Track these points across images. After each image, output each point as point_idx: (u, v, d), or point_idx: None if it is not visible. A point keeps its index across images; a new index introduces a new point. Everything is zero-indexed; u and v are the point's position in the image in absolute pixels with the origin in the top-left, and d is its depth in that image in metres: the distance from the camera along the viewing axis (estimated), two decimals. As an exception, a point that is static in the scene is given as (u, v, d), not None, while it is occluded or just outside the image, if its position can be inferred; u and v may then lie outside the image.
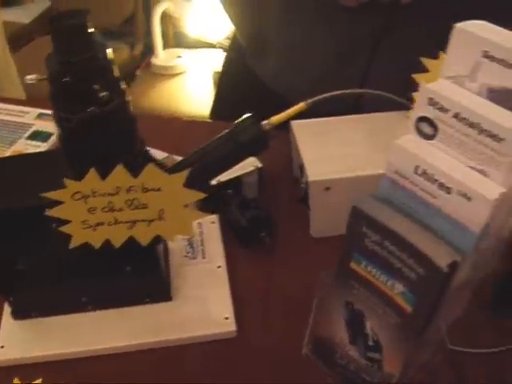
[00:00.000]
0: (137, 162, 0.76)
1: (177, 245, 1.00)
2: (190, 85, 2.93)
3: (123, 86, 0.74)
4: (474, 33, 0.63)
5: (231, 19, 1.31)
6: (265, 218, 1.01)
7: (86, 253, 0.81)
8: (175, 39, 3.24)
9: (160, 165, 0.81)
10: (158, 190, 0.75)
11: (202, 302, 0.93)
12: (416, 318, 0.67)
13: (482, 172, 0.62)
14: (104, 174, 0.74)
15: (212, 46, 2.95)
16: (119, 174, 0.73)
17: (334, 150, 1.00)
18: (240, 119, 0.81)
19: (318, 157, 0.99)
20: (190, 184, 0.76)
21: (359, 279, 0.71)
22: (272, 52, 1.24)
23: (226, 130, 0.82)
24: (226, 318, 0.90)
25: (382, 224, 0.64)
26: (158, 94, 2.89)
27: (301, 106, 0.80)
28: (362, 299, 0.71)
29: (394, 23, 1.07)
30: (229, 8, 1.30)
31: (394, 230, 0.63)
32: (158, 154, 1.17)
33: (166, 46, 3.17)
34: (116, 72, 0.72)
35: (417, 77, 0.89)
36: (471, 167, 0.62)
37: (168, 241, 0.94)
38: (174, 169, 0.79)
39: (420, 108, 0.64)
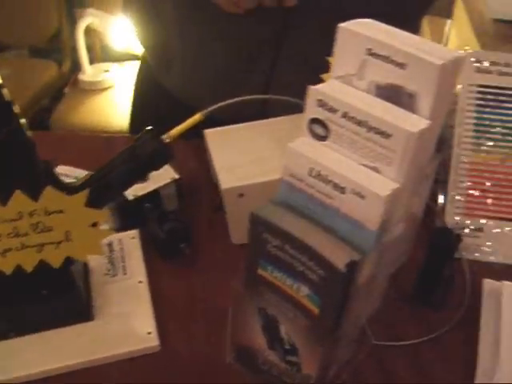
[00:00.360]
0: (40, 185, 0.75)
1: (97, 263, 0.99)
2: (119, 98, 2.91)
3: (16, 109, 0.72)
4: (358, 31, 0.63)
5: (137, 35, 1.31)
6: (183, 229, 1.00)
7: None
8: (102, 53, 3.21)
9: (66, 185, 0.80)
10: (61, 211, 0.74)
11: (125, 319, 0.92)
12: (324, 318, 0.67)
13: (374, 169, 0.62)
14: (7, 200, 0.73)
15: (138, 58, 2.93)
16: (18, 199, 0.72)
17: (246, 156, 1.00)
18: (140, 134, 0.81)
19: (231, 164, 0.99)
20: (94, 203, 0.75)
21: (268, 285, 0.71)
22: (175, 64, 1.24)
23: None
24: (149, 333, 0.90)
25: (281, 229, 0.64)
26: (87, 110, 2.86)
27: (197, 116, 0.80)
28: (274, 304, 0.71)
29: (290, 26, 1.08)
30: (134, 24, 1.30)
31: (293, 234, 0.63)
32: (78, 172, 1.16)
33: (94, 60, 3.14)
34: (7, 96, 0.70)
35: (325, 76, 0.89)
36: (364, 165, 0.63)
37: (83, 260, 0.92)
38: (79, 188, 0.78)
39: (310, 110, 0.65)
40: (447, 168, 1.07)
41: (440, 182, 1.09)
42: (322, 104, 0.63)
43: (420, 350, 0.91)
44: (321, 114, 0.64)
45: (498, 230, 1.06)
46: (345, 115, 0.62)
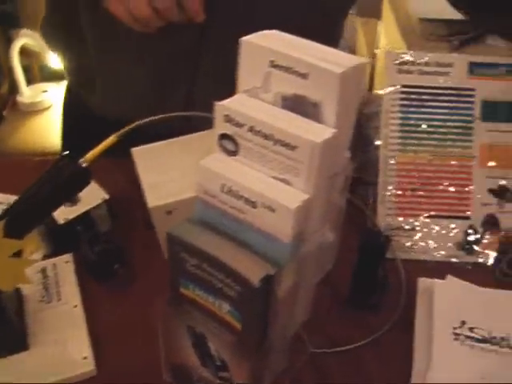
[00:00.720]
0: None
1: (31, 290, 0.98)
2: (59, 118, 2.88)
3: None
4: (260, 44, 0.63)
5: (58, 56, 1.30)
6: (115, 250, 0.99)
7: None
8: (40, 73, 3.18)
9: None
10: (-21, 244, 0.73)
11: (60, 345, 0.91)
12: (247, 333, 0.67)
13: (284, 181, 0.62)
14: None
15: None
16: None
17: (173, 173, 1.00)
18: (57, 159, 0.80)
19: (158, 181, 0.98)
20: (14, 232, 0.75)
21: (192, 303, 0.70)
22: (98, 85, 1.23)
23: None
24: (85, 358, 0.89)
25: (197, 247, 0.64)
26: (28, 132, 2.83)
27: (111, 139, 0.80)
28: (200, 322, 0.71)
29: (205, 41, 1.08)
30: (52, 48, 1.29)
31: (209, 252, 0.63)
32: (12, 198, 1.14)
33: (32, 81, 3.10)
34: None
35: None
36: (275, 178, 0.63)
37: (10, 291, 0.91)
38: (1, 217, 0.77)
39: (219, 125, 0.65)
40: (376, 169, 1.08)
41: (370, 183, 1.09)
42: (229, 119, 0.63)
43: (359, 354, 0.91)
44: (229, 130, 0.64)
45: (430, 228, 1.07)
46: (251, 129, 0.62)
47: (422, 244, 1.06)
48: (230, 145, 0.64)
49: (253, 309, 0.64)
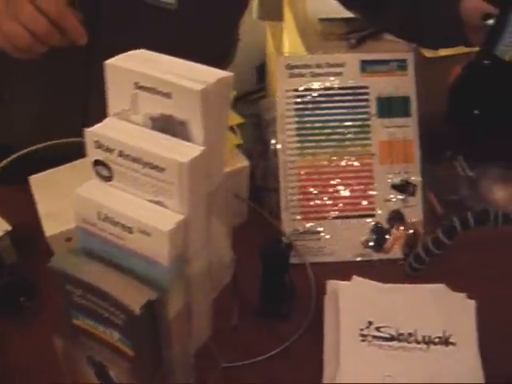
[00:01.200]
0: None
1: None
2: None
3: None
4: (123, 66, 0.62)
5: None
6: (21, 282, 0.97)
7: None
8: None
9: None
10: None
11: (-31, 387, 0.89)
12: (140, 359, 0.66)
13: (160, 204, 0.62)
14: None
15: None
16: None
17: (70, 199, 0.98)
18: None
19: (55, 208, 0.97)
20: None
21: (86, 333, 0.69)
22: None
23: None
24: (-7, 399, 0.87)
25: (79, 278, 0.63)
26: None
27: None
28: (97, 351, 0.70)
29: (94, 61, 1.06)
30: None
31: (90, 283, 0.62)
32: None
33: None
34: None
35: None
36: (150, 201, 0.62)
37: None
38: None
39: (91, 152, 0.64)
40: (277, 176, 1.08)
41: (273, 190, 1.09)
42: (99, 145, 0.62)
43: (273, 363, 0.91)
44: (101, 155, 0.63)
45: (336, 229, 1.07)
46: (121, 154, 0.61)
47: (330, 246, 1.06)
48: (104, 170, 0.64)
49: (140, 335, 0.63)
